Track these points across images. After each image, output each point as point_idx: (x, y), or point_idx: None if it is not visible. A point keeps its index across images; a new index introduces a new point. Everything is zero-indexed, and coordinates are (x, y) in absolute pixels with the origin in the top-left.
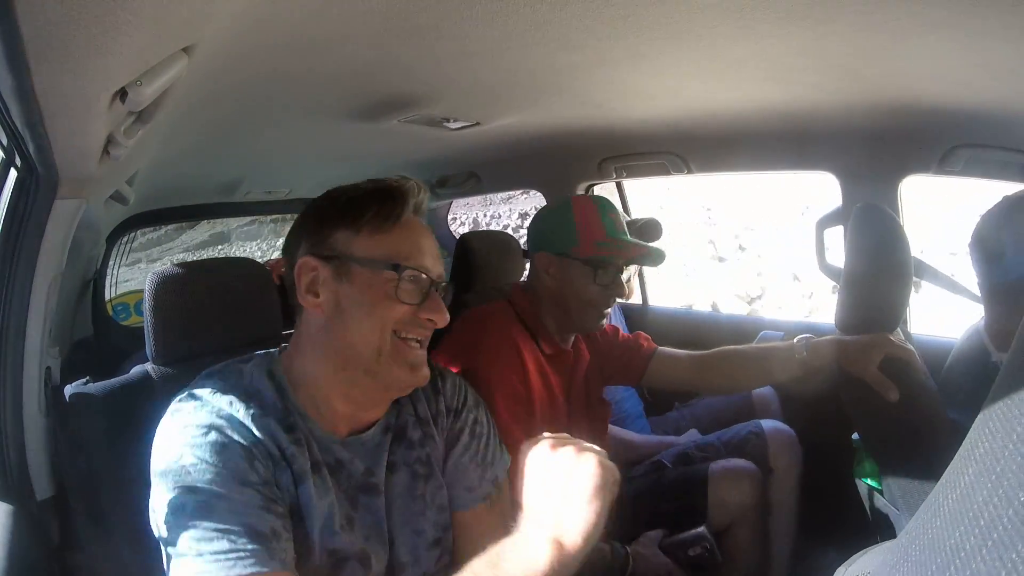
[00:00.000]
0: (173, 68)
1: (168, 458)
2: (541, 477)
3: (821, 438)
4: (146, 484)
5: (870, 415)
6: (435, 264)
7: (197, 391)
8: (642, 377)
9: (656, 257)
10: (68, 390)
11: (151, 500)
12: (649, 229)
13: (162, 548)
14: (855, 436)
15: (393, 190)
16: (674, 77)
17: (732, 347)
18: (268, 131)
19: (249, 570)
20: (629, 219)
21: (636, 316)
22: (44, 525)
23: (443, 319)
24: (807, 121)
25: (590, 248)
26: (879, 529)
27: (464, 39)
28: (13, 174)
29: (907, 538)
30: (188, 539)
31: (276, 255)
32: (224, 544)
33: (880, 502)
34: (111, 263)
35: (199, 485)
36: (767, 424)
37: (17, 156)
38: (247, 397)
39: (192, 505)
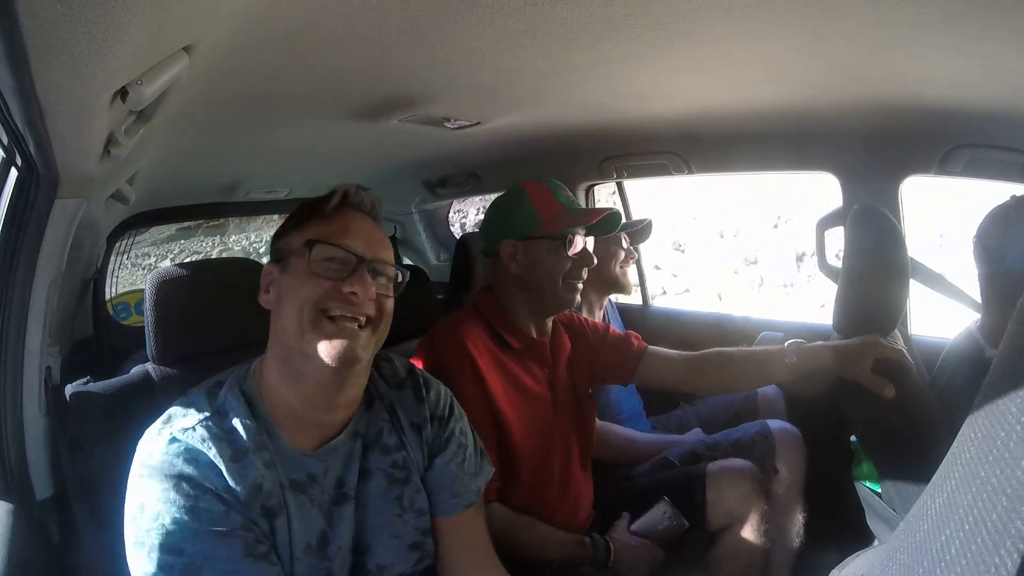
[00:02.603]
0: (173, 68)
1: (147, 514)
2: None
3: (820, 439)
4: None
5: (867, 417)
6: (365, 246)
7: (173, 425)
8: (633, 375)
9: (614, 221)
10: (68, 390)
11: (131, 558)
12: (643, 228)
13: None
14: (853, 438)
15: (332, 192)
16: (674, 77)
17: (725, 349)
18: (268, 131)
19: None
20: (637, 219)
21: (636, 316)
22: (44, 525)
23: (365, 292)
24: (807, 121)
25: (554, 223)
26: (877, 531)
27: (464, 39)
28: (13, 174)
29: (896, 541)
30: None
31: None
32: None
33: (878, 504)
34: (111, 263)
35: (183, 546)
36: (774, 424)
37: (17, 156)
38: (218, 431)
39: (179, 567)
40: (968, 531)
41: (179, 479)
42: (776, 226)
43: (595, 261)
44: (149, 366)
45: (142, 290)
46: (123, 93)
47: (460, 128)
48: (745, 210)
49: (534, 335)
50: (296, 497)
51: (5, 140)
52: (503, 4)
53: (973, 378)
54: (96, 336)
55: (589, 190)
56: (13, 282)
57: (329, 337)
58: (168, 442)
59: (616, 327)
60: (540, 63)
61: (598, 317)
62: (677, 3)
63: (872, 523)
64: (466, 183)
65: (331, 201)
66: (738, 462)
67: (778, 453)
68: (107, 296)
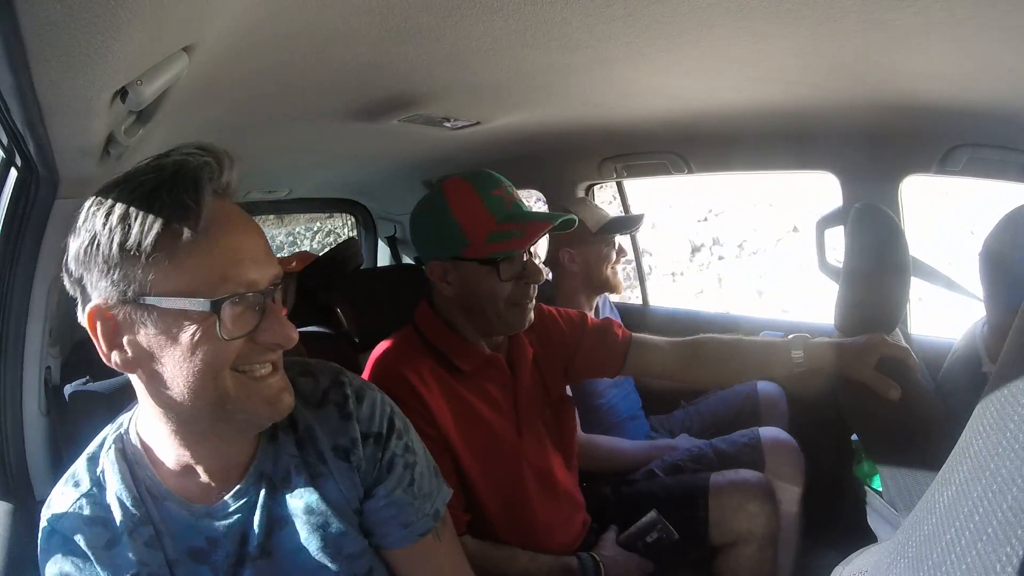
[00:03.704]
0: (173, 68)
1: None
2: None
3: (821, 439)
4: None
5: (868, 416)
6: (264, 267)
7: (52, 507)
8: (621, 368)
9: (564, 224)
10: (68, 389)
11: None
12: (640, 223)
13: None
14: (854, 437)
15: (181, 179)
16: (674, 77)
17: (719, 337)
18: (268, 131)
19: None
20: (631, 216)
21: (636, 316)
22: None
23: (288, 340)
24: (807, 121)
25: (482, 245)
26: (877, 530)
27: (464, 39)
28: (13, 174)
29: (903, 536)
30: None
31: None
32: None
33: (879, 503)
34: None
35: None
36: (766, 432)
37: (17, 156)
38: (93, 511)
39: None
40: (978, 523)
41: None
42: (705, 219)
43: (543, 276)
44: None
45: None
46: (123, 93)
47: (460, 128)
48: (683, 205)
49: (487, 351)
50: (193, 570)
51: (5, 141)
52: (503, 4)
53: (970, 387)
54: None
55: (589, 190)
56: (13, 282)
57: (261, 395)
58: (48, 535)
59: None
60: (540, 63)
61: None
62: (677, 3)
63: (873, 522)
64: None
65: (201, 210)
66: (747, 474)
67: (768, 463)
68: None
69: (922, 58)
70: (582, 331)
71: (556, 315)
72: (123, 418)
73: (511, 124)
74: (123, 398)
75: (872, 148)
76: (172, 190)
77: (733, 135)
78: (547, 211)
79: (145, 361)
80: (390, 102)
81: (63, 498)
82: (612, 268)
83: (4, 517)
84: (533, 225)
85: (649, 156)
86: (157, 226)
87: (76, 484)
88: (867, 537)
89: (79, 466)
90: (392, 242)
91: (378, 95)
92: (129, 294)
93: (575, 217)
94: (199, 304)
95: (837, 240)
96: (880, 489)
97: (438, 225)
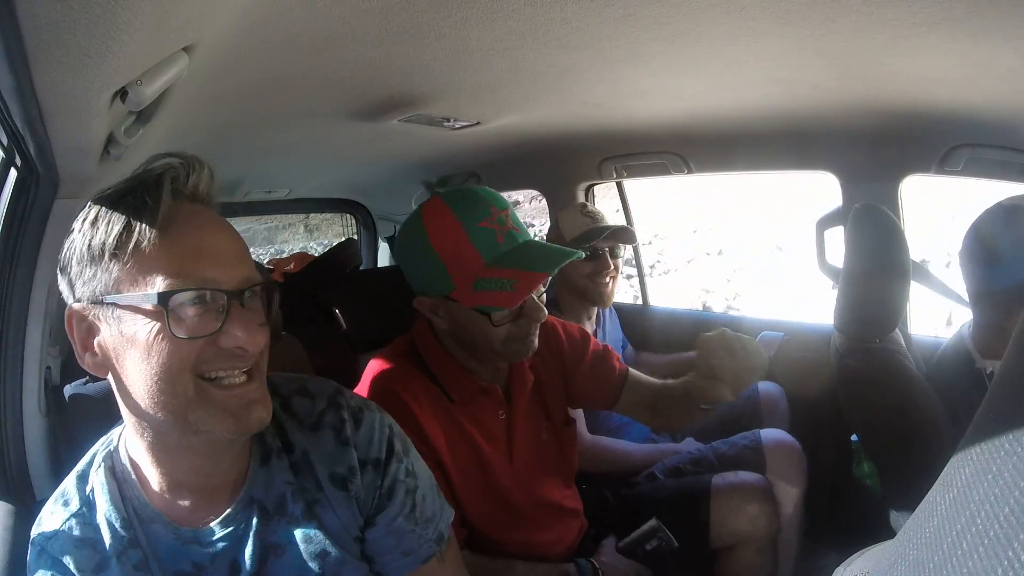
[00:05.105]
0: (173, 68)
1: None
2: None
3: (821, 439)
4: None
5: (868, 417)
6: (229, 268)
7: (42, 527)
8: (615, 404)
9: (563, 263)
10: (67, 390)
11: None
12: (620, 235)
13: None
14: (854, 437)
15: (144, 181)
16: (674, 77)
17: (670, 383)
18: (268, 131)
19: None
20: (599, 227)
21: (636, 316)
22: None
23: (251, 345)
24: (807, 121)
25: (468, 293)
26: (878, 530)
27: (464, 39)
28: (13, 174)
29: (904, 537)
30: None
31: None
32: None
33: (878, 503)
34: None
35: None
36: (767, 434)
37: (17, 156)
38: (82, 532)
39: None
40: (980, 526)
41: None
42: (650, 243)
43: (545, 313)
44: None
45: None
46: (123, 93)
47: (460, 128)
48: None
49: (481, 382)
50: None
51: (5, 141)
52: (503, 4)
53: (963, 385)
54: None
55: (589, 190)
56: (13, 282)
57: (225, 406)
58: (37, 555)
59: (613, 329)
60: (540, 63)
61: (589, 327)
62: (677, 3)
63: (873, 522)
64: (466, 183)
65: (157, 207)
66: (747, 476)
67: (769, 465)
68: None
69: (922, 58)
70: (583, 352)
71: (560, 329)
72: (113, 433)
73: (511, 124)
74: None
75: (872, 148)
76: (135, 191)
77: (733, 135)
78: (547, 222)
79: (111, 364)
80: (390, 102)
81: (52, 517)
82: (596, 280)
83: (4, 518)
84: (527, 276)
85: (649, 156)
86: (118, 226)
87: (66, 504)
88: (867, 537)
89: (69, 484)
90: (392, 242)
91: (378, 95)
92: (97, 294)
93: (582, 253)
94: (150, 300)
95: (837, 240)
96: (879, 489)
97: (421, 262)
